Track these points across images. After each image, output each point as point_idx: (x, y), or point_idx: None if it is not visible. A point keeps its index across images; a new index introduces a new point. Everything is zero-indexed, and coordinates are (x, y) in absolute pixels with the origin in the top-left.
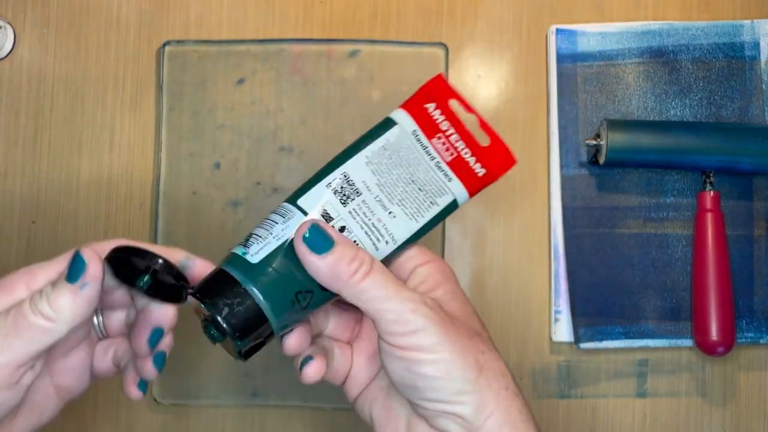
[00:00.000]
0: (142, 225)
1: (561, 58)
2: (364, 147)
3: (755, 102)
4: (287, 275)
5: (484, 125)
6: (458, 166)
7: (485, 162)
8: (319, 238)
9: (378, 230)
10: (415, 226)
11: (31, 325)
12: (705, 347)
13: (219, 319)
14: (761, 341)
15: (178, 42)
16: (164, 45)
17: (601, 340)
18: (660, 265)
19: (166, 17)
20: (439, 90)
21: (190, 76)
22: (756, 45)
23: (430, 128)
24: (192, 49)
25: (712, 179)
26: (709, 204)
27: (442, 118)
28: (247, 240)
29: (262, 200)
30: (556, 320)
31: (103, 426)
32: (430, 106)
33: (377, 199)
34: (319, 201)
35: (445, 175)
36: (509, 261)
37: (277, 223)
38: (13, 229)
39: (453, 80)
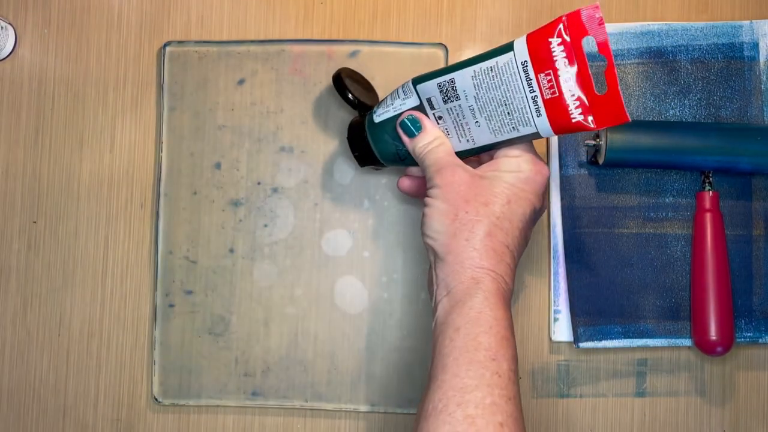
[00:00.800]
0: (143, 225)
1: None
2: (476, 63)
3: (754, 102)
4: (393, 135)
5: (609, 73)
6: (554, 106)
7: (588, 110)
8: (408, 128)
9: (464, 130)
10: (493, 140)
11: None
12: (704, 347)
13: (351, 149)
14: (760, 341)
15: (179, 42)
16: (165, 45)
17: (601, 339)
18: (659, 264)
19: (167, 18)
20: (580, 22)
21: (190, 76)
22: (755, 45)
23: (542, 63)
24: (193, 49)
25: (711, 179)
26: (708, 204)
27: (562, 55)
28: (382, 101)
29: (262, 200)
30: (556, 320)
31: (103, 426)
32: (554, 41)
33: (470, 107)
34: (428, 92)
35: (537, 109)
36: None
37: (399, 98)
38: (14, 228)
39: None
